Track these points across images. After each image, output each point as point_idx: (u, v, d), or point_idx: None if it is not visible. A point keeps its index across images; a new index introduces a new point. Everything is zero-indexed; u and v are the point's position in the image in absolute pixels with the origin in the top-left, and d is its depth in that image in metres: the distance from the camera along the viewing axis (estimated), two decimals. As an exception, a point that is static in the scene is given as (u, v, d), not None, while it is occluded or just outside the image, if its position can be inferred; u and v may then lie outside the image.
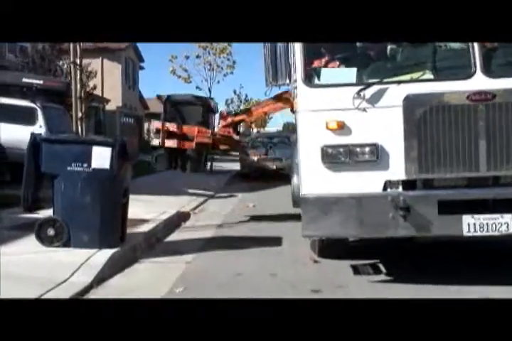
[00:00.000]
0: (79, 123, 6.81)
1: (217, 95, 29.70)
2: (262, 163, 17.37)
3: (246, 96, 29.27)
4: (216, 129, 12.11)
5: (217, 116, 10.46)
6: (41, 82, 10.66)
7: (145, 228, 7.15)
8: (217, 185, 15.14)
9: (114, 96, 29.09)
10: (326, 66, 4.77)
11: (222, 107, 33.63)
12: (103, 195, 5.65)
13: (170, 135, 12.04)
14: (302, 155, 4.65)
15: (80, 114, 6.70)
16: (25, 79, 10.69)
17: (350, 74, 4.60)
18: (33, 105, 10.74)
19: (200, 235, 7.29)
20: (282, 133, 54.09)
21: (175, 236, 7.30)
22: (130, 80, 33.54)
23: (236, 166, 23.39)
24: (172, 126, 12.05)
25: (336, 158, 4.47)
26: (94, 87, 21.35)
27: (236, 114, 10.68)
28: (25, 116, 10.65)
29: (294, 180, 5.52)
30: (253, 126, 44.42)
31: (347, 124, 4.47)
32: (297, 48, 4.56)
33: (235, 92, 29.12)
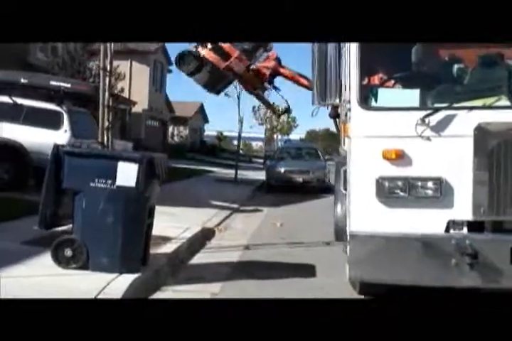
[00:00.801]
0: (105, 132, 6.35)
1: (247, 102, 29.27)
2: (289, 175, 16.83)
3: (273, 103, 28.87)
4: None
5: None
6: (69, 85, 10.26)
7: (168, 248, 6.67)
8: (242, 197, 14.66)
9: (140, 98, 28.84)
10: (381, 86, 4.24)
11: (248, 114, 33.17)
12: (126, 215, 5.18)
13: None
14: (354, 186, 4.11)
15: (106, 123, 6.25)
16: (53, 82, 10.31)
17: (413, 96, 4.07)
18: (58, 109, 10.35)
19: (226, 258, 6.77)
20: (305, 141, 53.80)
21: (200, 259, 6.80)
22: (157, 83, 33.31)
23: (260, 175, 22.97)
24: None
25: (393, 192, 3.93)
26: (122, 90, 21.03)
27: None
28: (50, 120, 10.28)
29: (338, 209, 5.00)
30: (277, 132, 44.18)
31: (407, 154, 3.93)
32: (352, 64, 4.04)
33: (261, 99, 28.79)
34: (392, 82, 4.23)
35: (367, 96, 4.10)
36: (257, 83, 8.14)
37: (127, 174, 5.16)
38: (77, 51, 19.35)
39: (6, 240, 6.15)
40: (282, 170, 16.95)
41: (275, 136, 43.68)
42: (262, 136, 47.88)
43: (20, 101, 10.33)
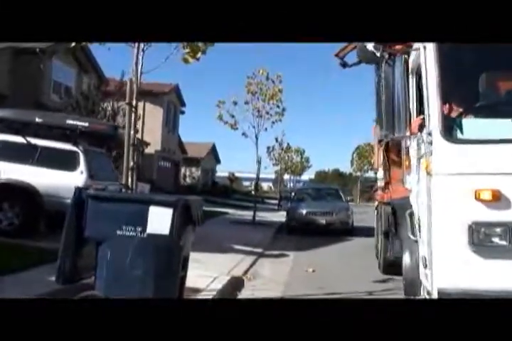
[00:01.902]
0: (129, 173, 5.72)
1: (264, 142, 29.06)
2: (312, 217, 16.09)
3: (288, 144, 28.38)
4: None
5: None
6: (87, 124, 9.71)
7: (199, 302, 5.93)
8: (264, 240, 13.92)
9: (153, 139, 28.45)
10: (465, 115, 3.61)
11: (263, 154, 32.60)
12: (158, 267, 4.49)
13: None
14: (438, 233, 3.44)
15: (131, 163, 5.63)
16: (69, 121, 9.77)
17: (506, 126, 3.42)
18: (74, 149, 9.77)
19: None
20: (314, 181, 52.96)
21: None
22: (170, 124, 33.06)
23: (277, 217, 22.22)
24: None
25: (490, 240, 3.25)
26: (137, 131, 20.59)
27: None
28: (65, 161, 9.69)
29: (406, 259, 4.28)
30: (290, 173, 43.62)
31: (505, 194, 3.26)
32: (431, 90, 3.43)
33: (276, 140, 28.20)
34: (477, 111, 3.60)
35: (451, 126, 3.47)
36: None
37: (160, 220, 4.50)
38: (90, 91, 19.07)
39: (17, 293, 5.44)
40: (304, 211, 16.23)
41: (285, 176, 43.16)
42: (271, 176, 47.33)
43: (34, 141, 9.78)
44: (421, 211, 3.92)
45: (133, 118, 5.78)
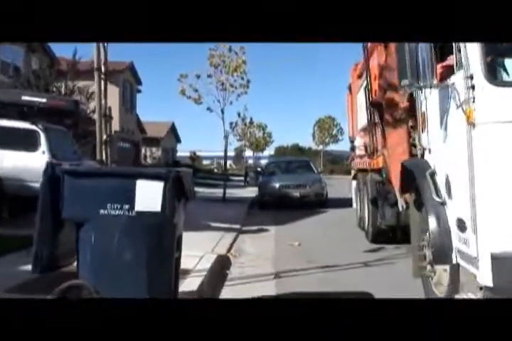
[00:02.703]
0: (103, 147, 5.08)
1: (231, 117, 28.10)
2: (285, 190, 15.66)
3: (251, 119, 27.47)
4: None
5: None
6: (44, 100, 8.90)
7: (191, 284, 5.44)
8: (239, 216, 13.48)
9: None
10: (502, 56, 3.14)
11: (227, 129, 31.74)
12: (151, 249, 3.94)
13: None
14: (485, 190, 2.98)
15: (104, 137, 4.99)
16: (25, 97, 8.94)
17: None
18: (33, 127, 8.97)
19: (260, 292, 5.53)
20: (274, 157, 52.95)
21: (230, 294, 5.53)
22: (128, 103, 31.95)
23: (246, 193, 21.79)
24: None
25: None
26: (94, 110, 19.65)
27: None
28: (24, 141, 8.90)
29: (433, 224, 3.82)
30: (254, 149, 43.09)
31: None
32: None
33: (239, 115, 27.47)
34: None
35: (494, 68, 2.99)
36: None
37: (150, 196, 3.93)
38: (42, 70, 17.96)
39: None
40: (277, 185, 15.79)
41: (245, 153, 42.58)
42: (231, 154, 46.72)
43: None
44: (454, 169, 3.47)
45: (102, 84, 5.11)
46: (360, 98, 10.63)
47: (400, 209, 6.37)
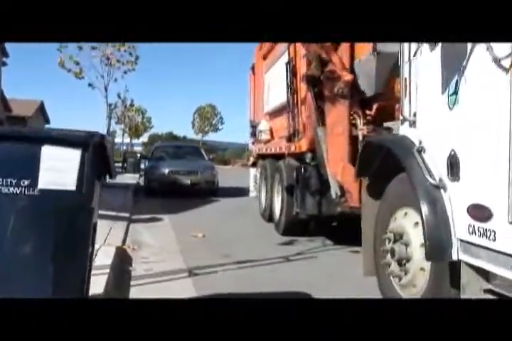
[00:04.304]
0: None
1: (114, 96, 26.05)
2: (175, 177, 14.59)
3: (132, 101, 25.79)
4: None
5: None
6: None
7: (95, 285, 4.32)
8: (125, 204, 12.26)
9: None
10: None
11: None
12: (59, 240, 2.86)
13: None
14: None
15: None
16: None
17: None
18: None
19: (177, 294, 4.57)
20: (147, 144, 50.97)
21: (141, 295, 4.49)
22: (-9, 76, 28.74)
23: (126, 179, 20.34)
24: None
25: None
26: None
27: None
28: None
29: (425, 211, 3.11)
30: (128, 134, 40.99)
31: None
32: None
33: (119, 96, 25.53)
34: None
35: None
36: None
37: (60, 168, 2.84)
38: None
39: None
40: (166, 171, 14.65)
41: (117, 139, 40.32)
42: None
43: None
44: (470, 142, 2.79)
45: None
46: (269, 77, 9.92)
47: (334, 196, 5.70)
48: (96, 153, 2.90)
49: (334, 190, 5.67)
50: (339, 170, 5.74)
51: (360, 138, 5.36)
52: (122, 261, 5.94)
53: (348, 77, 5.37)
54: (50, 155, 2.84)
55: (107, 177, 3.30)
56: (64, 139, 2.88)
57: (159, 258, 6.31)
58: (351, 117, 5.50)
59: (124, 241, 7.28)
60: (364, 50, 5.19)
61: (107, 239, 7.07)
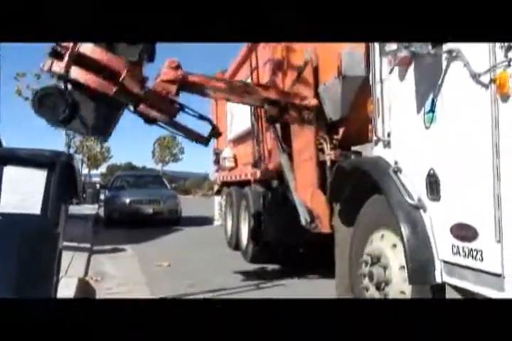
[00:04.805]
0: None
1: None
2: (136, 206, 14.26)
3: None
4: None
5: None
6: None
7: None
8: (85, 234, 11.85)
9: None
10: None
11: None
12: (21, 268, 2.67)
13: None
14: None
15: None
16: None
17: None
18: None
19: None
20: (106, 175, 49.92)
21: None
22: None
23: (85, 210, 19.81)
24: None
25: None
26: None
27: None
28: None
29: (407, 234, 3.04)
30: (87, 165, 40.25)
31: None
32: None
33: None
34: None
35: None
36: (162, 104, 5.11)
37: (25, 190, 2.68)
38: None
39: None
40: (127, 200, 14.30)
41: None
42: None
43: None
44: (451, 160, 2.75)
45: None
46: (232, 104, 9.88)
47: (303, 222, 5.60)
48: (63, 173, 2.76)
49: (304, 217, 5.57)
50: (308, 196, 5.66)
51: (328, 163, 5.31)
52: (85, 293, 5.66)
53: (313, 101, 5.34)
54: (12, 175, 2.67)
55: (74, 199, 3.14)
56: (28, 159, 2.73)
57: (124, 289, 6.06)
58: (318, 142, 5.46)
59: (86, 273, 6.99)
60: (329, 74, 5.18)
61: (68, 270, 6.80)
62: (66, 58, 4.27)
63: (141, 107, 5.04)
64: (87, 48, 4.36)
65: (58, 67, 4.34)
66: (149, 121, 5.25)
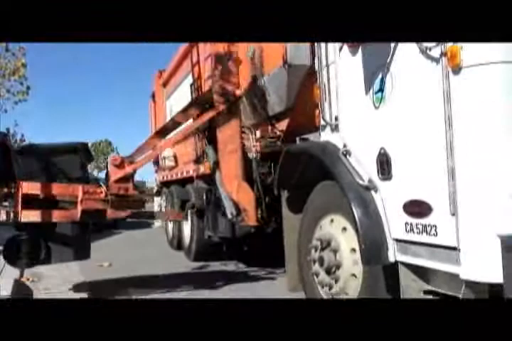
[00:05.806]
0: None
1: (4, 130, 24.05)
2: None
3: (22, 136, 23.90)
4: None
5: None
6: None
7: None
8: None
9: None
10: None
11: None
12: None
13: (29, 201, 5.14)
14: (478, 157, 2.31)
15: None
16: None
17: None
18: None
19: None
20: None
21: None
22: None
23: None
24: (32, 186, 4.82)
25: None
26: None
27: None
28: None
29: (358, 214, 3.03)
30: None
31: None
32: None
33: (8, 131, 23.99)
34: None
35: None
36: (132, 203, 5.49)
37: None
38: None
39: None
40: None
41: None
42: None
43: None
44: (402, 138, 2.77)
45: None
46: (172, 103, 9.74)
47: (229, 216, 5.54)
48: None
49: (229, 210, 5.52)
50: (234, 189, 5.58)
51: (254, 154, 5.30)
52: (21, 294, 5.38)
53: (238, 92, 5.31)
54: None
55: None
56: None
57: (64, 289, 5.81)
58: (243, 134, 5.43)
59: (21, 274, 6.66)
60: (272, 64, 5.15)
61: (2, 272, 6.46)
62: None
63: (109, 213, 5.16)
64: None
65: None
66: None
